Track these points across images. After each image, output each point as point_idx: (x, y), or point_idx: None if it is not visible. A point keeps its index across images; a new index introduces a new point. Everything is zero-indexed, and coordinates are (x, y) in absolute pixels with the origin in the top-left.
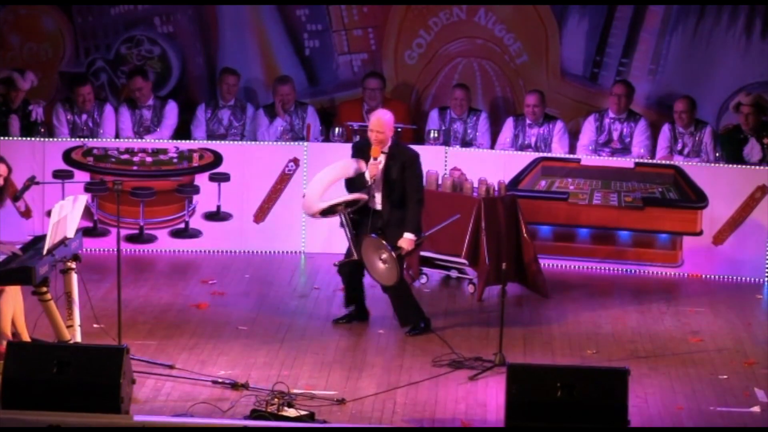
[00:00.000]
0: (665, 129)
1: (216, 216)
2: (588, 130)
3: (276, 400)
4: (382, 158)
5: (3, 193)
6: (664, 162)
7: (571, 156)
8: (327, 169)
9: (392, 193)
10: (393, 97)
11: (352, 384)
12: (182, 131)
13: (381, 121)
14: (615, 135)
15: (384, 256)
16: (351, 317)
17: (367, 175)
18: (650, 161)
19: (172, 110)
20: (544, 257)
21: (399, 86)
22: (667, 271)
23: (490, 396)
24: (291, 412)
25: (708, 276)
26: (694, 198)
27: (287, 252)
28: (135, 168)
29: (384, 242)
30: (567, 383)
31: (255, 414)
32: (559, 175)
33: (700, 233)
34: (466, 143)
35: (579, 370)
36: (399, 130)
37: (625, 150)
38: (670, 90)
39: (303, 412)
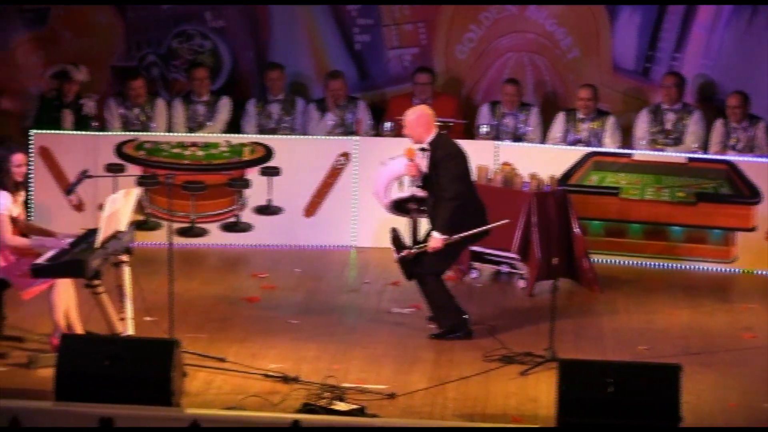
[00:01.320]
0: (718, 124)
1: (267, 210)
2: (642, 123)
3: (327, 393)
4: (421, 156)
5: (21, 183)
6: (717, 157)
7: (623, 151)
8: (392, 164)
9: (431, 191)
10: (443, 92)
11: (403, 378)
12: (233, 126)
13: (405, 122)
14: (668, 125)
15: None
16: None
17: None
18: (703, 156)
19: (225, 106)
20: (595, 252)
21: (449, 81)
22: (720, 267)
23: (541, 391)
24: (342, 406)
25: (761, 272)
26: (747, 194)
27: (338, 246)
28: (186, 162)
29: (400, 238)
30: (618, 379)
31: (306, 408)
32: (610, 170)
33: (754, 229)
34: (517, 138)
35: (630, 366)
36: (450, 124)
37: (678, 141)
38: (723, 85)
39: (353, 406)
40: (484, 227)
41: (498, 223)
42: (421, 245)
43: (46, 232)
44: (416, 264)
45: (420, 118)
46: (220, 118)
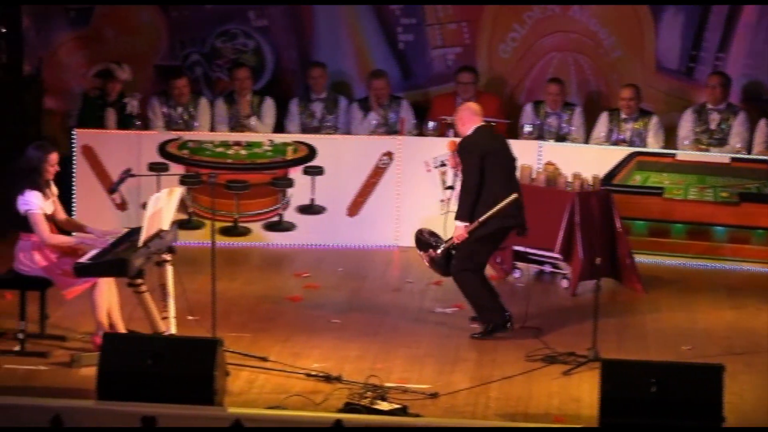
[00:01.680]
0: (762, 124)
1: (310, 209)
2: (686, 122)
3: (369, 393)
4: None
5: (51, 181)
6: (760, 157)
7: (666, 151)
8: None
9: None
10: (486, 91)
11: (445, 378)
12: (276, 125)
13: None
14: (713, 125)
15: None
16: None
17: None
18: (746, 156)
19: (270, 108)
20: (639, 252)
21: (492, 80)
22: (763, 268)
23: (583, 391)
24: (384, 406)
25: None
26: None
27: (381, 246)
28: (230, 161)
29: (423, 239)
30: (661, 379)
31: (348, 407)
32: (654, 170)
33: None
34: (561, 138)
35: (673, 366)
36: (493, 124)
37: (722, 141)
38: (767, 85)
39: (396, 406)
40: (496, 208)
41: (506, 201)
42: (448, 239)
43: (87, 230)
44: (449, 263)
45: (461, 111)
46: (266, 122)
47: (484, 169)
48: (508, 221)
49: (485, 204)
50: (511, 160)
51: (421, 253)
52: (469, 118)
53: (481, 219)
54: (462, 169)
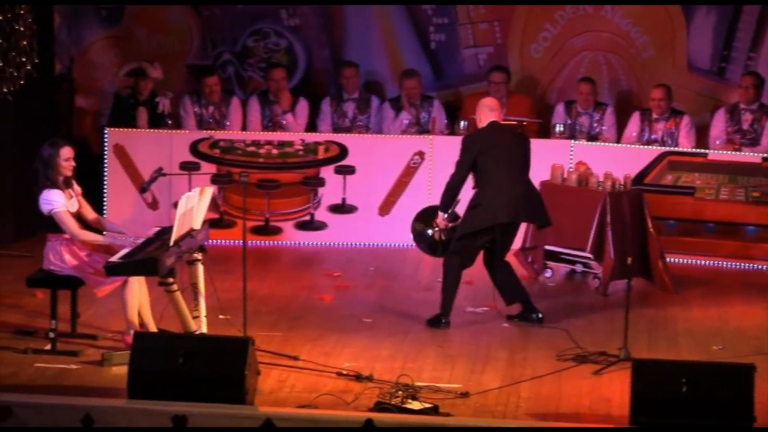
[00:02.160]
0: None
1: (341, 209)
2: (718, 122)
3: (400, 392)
4: None
5: (70, 178)
6: None
7: (698, 150)
8: None
9: None
10: (517, 91)
11: (476, 377)
12: (308, 124)
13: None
14: (745, 125)
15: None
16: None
17: None
18: None
19: (303, 109)
20: (670, 252)
21: (524, 79)
22: None
23: (614, 391)
24: (415, 405)
25: None
26: None
27: (412, 245)
28: (261, 160)
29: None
30: (692, 379)
31: (379, 406)
32: (685, 170)
33: None
34: (592, 137)
35: (704, 366)
36: (524, 123)
37: (755, 141)
38: None
39: (427, 405)
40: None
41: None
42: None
43: (117, 230)
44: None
45: (478, 108)
46: (300, 122)
47: (479, 165)
48: (495, 218)
49: (479, 201)
50: (516, 156)
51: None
52: (485, 114)
53: (449, 212)
54: (456, 162)
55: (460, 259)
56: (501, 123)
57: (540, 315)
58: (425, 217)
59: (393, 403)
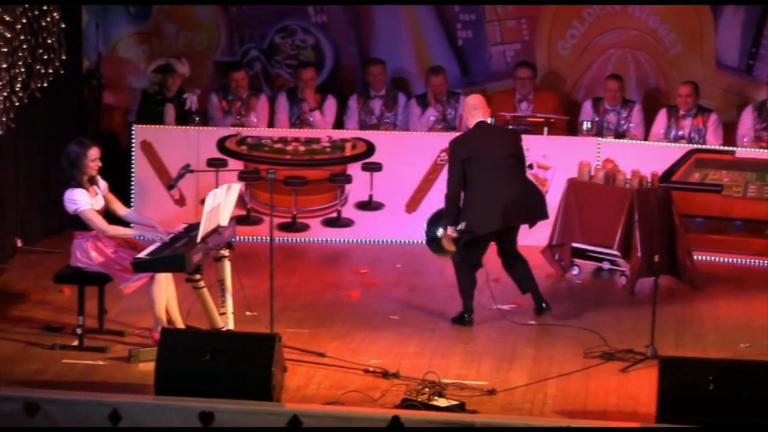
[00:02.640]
0: None
1: (368, 206)
2: (746, 119)
3: (427, 389)
4: None
5: (96, 177)
6: None
7: (726, 148)
8: None
9: None
10: (545, 88)
11: (503, 374)
12: (335, 121)
13: None
14: None
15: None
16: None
17: None
18: None
19: (331, 106)
20: (697, 250)
21: (551, 77)
22: None
23: (641, 389)
24: (441, 402)
25: None
26: None
27: None
28: (288, 157)
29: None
30: (719, 377)
31: (406, 403)
32: (713, 167)
33: None
34: (620, 135)
35: (732, 364)
36: (551, 120)
37: None
38: None
39: (453, 402)
40: (462, 224)
41: (463, 225)
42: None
43: (148, 223)
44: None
45: (464, 106)
46: (327, 119)
47: (467, 172)
48: (487, 227)
49: (468, 207)
50: (504, 159)
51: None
52: (471, 114)
53: (458, 229)
54: (447, 170)
55: (469, 263)
56: (488, 123)
57: (544, 305)
58: (438, 220)
59: (419, 400)
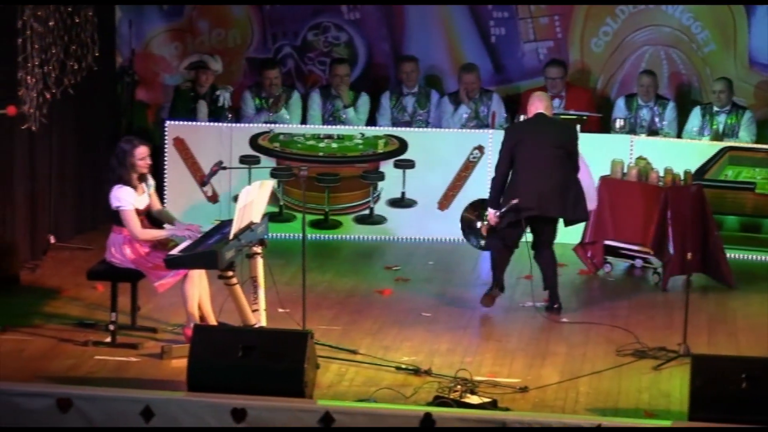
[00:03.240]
0: None
1: (400, 203)
2: None
3: (459, 386)
4: None
5: (145, 175)
6: None
7: (759, 146)
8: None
9: None
10: (577, 85)
11: (535, 372)
12: (367, 118)
13: None
14: None
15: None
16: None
17: None
18: None
19: (365, 104)
20: (730, 248)
21: (584, 74)
22: None
23: (673, 386)
24: (474, 399)
25: None
26: None
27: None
28: (321, 154)
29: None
30: (752, 375)
31: (438, 400)
32: (746, 165)
33: None
34: (653, 132)
35: (764, 362)
36: (584, 118)
37: None
38: None
39: (485, 400)
40: (505, 208)
41: (510, 204)
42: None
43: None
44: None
45: (530, 97)
46: (360, 117)
47: (515, 157)
48: (525, 213)
49: (508, 191)
50: (553, 150)
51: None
52: (533, 105)
53: (502, 211)
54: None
55: (502, 242)
56: (547, 115)
57: (556, 306)
58: (477, 208)
59: (452, 397)
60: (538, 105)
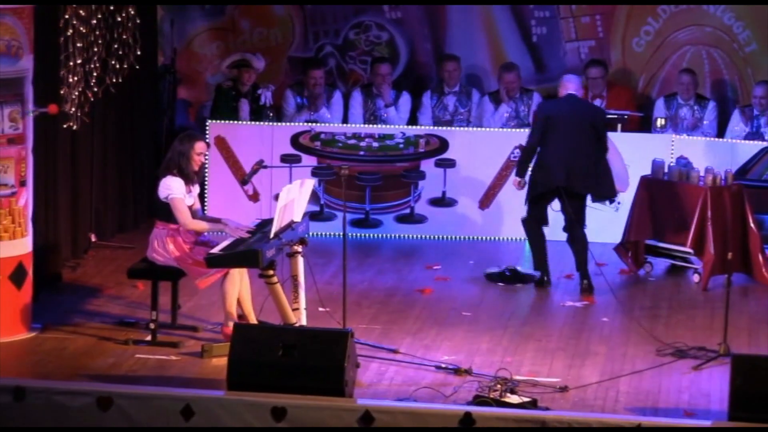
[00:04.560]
0: None
1: (441, 202)
2: None
3: (499, 386)
4: None
5: (197, 173)
6: None
7: None
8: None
9: None
10: (618, 84)
11: (575, 372)
12: (409, 117)
13: None
14: None
15: None
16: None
17: None
18: None
19: (406, 103)
20: None
21: (625, 73)
22: None
23: (713, 387)
24: (514, 399)
25: None
26: None
27: (512, 239)
28: (362, 153)
29: None
30: None
31: (478, 400)
32: None
33: None
34: (693, 129)
35: None
36: (625, 117)
37: None
38: None
39: (525, 399)
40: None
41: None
42: None
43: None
44: None
45: (561, 80)
46: (402, 116)
47: (545, 132)
48: (550, 183)
49: (537, 163)
50: (583, 128)
51: None
52: (564, 86)
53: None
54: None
55: (534, 218)
56: (577, 96)
57: (586, 281)
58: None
59: (491, 396)
60: (568, 86)
